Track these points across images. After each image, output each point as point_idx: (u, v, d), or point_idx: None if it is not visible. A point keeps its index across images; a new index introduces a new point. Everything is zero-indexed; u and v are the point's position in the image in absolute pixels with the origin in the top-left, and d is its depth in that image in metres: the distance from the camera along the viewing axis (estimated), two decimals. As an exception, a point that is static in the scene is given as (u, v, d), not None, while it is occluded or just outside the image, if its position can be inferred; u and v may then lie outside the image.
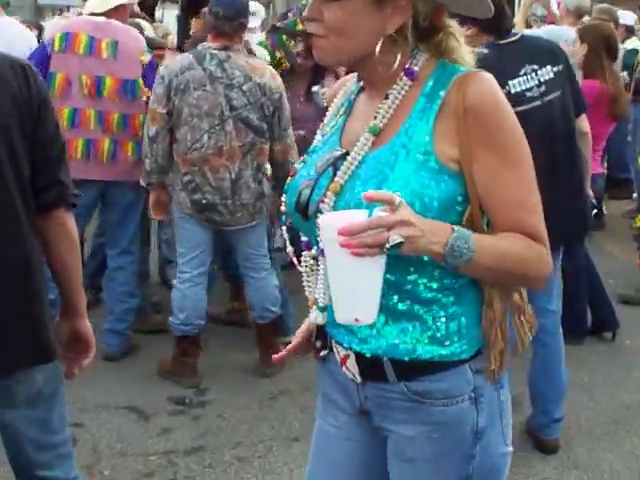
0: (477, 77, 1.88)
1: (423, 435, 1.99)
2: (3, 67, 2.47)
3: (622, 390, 5.12)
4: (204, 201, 4.84)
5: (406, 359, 1.93)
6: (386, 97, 1.94)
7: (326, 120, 2.15)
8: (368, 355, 1.97)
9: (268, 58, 5.71)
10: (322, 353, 2.10)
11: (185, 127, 4.78)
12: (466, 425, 1.97)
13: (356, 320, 1.77)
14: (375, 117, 1.94)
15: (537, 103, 4.04)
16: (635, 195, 9.62)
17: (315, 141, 2.13)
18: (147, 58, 5.24)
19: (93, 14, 5.29)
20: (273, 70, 5.07)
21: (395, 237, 1.67)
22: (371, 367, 1.99)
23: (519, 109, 3.76)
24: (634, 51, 9.36)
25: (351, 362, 2.02)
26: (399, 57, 1.92)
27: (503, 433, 2.03)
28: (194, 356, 5.15)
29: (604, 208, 8.92)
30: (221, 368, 5.38)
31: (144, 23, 6.60)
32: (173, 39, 7.05)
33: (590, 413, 4.82)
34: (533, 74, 4.05)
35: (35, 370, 2.59)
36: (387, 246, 1.67)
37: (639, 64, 8.74)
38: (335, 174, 1.93)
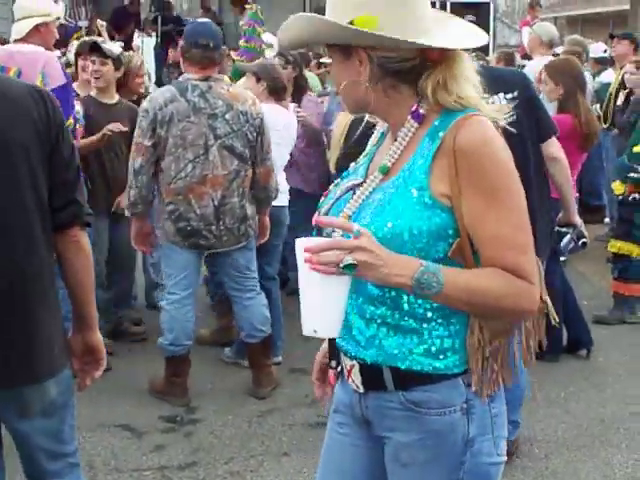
0: (470, 120, 2.05)
1: (418, 442, 2.17)
2: (23, 94, 2.61)
3: (596, 405, 5.32)
4: (189, 228, 4.96)
5: (403, 369, 2.12)
6: (395, 139, 2.15)
7: (366, 149, 2.37)
8: (369, 362, 2.16)
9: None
10: (338, 369, 2.30)
11: (169, 157, 4.89)
12: (458, 434, 2.14)
13: (315, 332, 2.03)
14: (386, 156, 2.16)
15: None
16: (607, 220, 9.89)
17: (350, 166, 2.35)
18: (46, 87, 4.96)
19: (16, 40, 5.39)
20: (254, 96, 5.22)
21: (348, 259, 1.91)
22: (372, 376, 2.18)
23: None
24: (608, 84, 9.60)
25: (355, 372, 2.22)
26: (372, 101, 2.14)
27: (495, 443, 2.20)
28: (184, 375, 5.27)
29: (577, 233, 9.13)
30: (210, 387, 5.52)
31: (111, 44, 6.67)
32: (147, 67, 7.18)
33: (567, 427, 5.00)
34: (488, 99, 4.25)
35: (49, 382, 2.69)
36: (341, 266, 1.91)
37: (611, 96, 9.04)
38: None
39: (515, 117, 3.36)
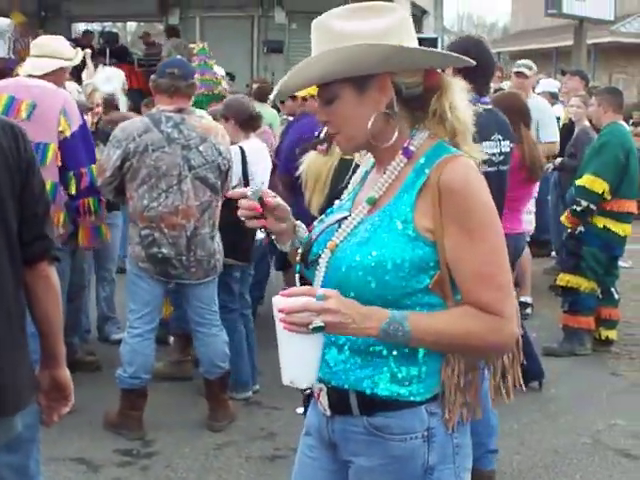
0: (454, 160, 2.13)
1: (380, 467, 2.22)
2: None
3: (550, 435, 5.40)
4: (160, 255, 4.99)
5: (369, 394, 2.18)
6: (384, 172, 2.21)
7: (348, 188, 2.43)
8: (336, 386, 2.22)
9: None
10: (307, 391, 2.35)
11: (143, 187, 4.94)
12: (417, 460, 2.19)
13: (291, 382, 2.12)
14: (373, 189, 2.22)
15: (494, 169, 4.37)
16: (554, 253, 10.05)
17: (334, 204, 2.41)
18: (70, 128, 5.19)
19: (30, 75, 5.40)
20: (223, 129, 5.30)
21: (317, 321, 2.00)
22: (339, 400, 2.24)
23: (487, 170, 4.11)
24: (558, 118, 9.79)
25: (323, 395, 2.28)
26: (396, 132, 2.18)
27: (456, 474, 2.24)
28: (140, 409, 5.23)
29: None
30: (165, 420, 5.48)
31: (71, 86, 6.68)
32: (101, 95, 7.18)
33: (521, 458, 5.07)
34: (498, 142, 4.42)
35: (16, 416, 2.65)
36: (310, 327, 2.00)
37: (561, 130, 9.22)
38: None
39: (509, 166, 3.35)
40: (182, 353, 6.22)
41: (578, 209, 6.63)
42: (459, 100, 2.20)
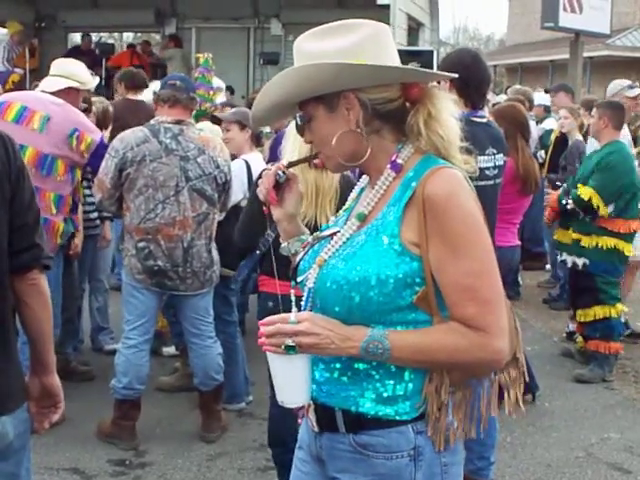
0: (440, 172, 2.11)
1: None
2: None
3: (542, 449, 5.40)
4: (156, 267, 5.00)
5: (354, 412, 2.18)
6: (373, 187, 2.22)
7: (345, 205, 2.44)
8: (323, 403, 2.23)
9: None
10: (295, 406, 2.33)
11: (140, 197, 4.95)
12: (404, 479, 2.18)
13: (282, 403, 2.18)
14: (363, 204, 2.23)
15: (490, 182, 4.39)
16: (548, 266, 10.08)
17: (329, 221, 2.44)
18: (90, 145, 5.37)
19: (44, 92, 5.54)
20: (222, 142, 5.35)
21: (288, 342, 2.07)
22: (326, 417, 2.25)
23: (481, 183, 4.13)
24: (551, 131, 9.84)
25: (311, 411, 2.30)
26: (369, 149, 2.18)
27: None
28: (133, 419, 5.24)
29: (520, 279, 9.31)
30: (158, 430, 5.49)
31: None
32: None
33: (513, 471, 5.08)
34: (492, 156, 4.44)
35: (7, 424, 2.65)
36: (282, 347, 2.07)
37: (552, 144, 9.27)
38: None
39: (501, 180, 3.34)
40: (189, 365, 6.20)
41: (567, 206, 6.65)
42: (440, 113, 2.17)
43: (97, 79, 6.09)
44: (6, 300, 2.67)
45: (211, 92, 7.61)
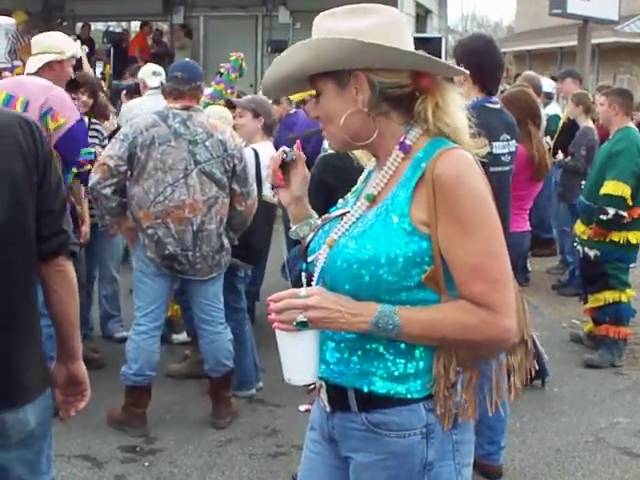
0: (449, 153, 2.13)
1: (378, 463, 2.24)
2: (12, 124, 2.59)
3: (552, 434, 5.42)
4: (166, 252, 5.01)
5: (366, 391, 2.20)
6: (381, 168, 2.24)
7: (354, 187, 2.46)
8: (335, 383, 2.25)
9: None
10: (311, 387, 2.36)
11: (149, 180, 4.96)
12: (416, 457, 2.20)
13: (289, 380, 2.21)
14: (372, 185, 2.25)
15: (506, 169, 4.40)
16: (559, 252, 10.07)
17: (339, 202, 2.44)
18: (60, 126, 5.10)
19: (29, 74, 5.46)
20: (232, 130, 5.35)
21: (300, 318, 2.10)
22: (337, 396, 2.27)
23: (497, 169, 4.13)
24: (556, 117, 9.82)
25: (323, 391, 2.31)
26: (376, 130, 2.20)
27: (457, 470, 2.25)
28: (144, 406, 5.27)
29: (529, 265, 9.31)
30: (168, 417, 5.52)
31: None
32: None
33: (523, 456, 5.09)
34: (506, 142, 4.44)
35: (29, 412, 2.63)
36: (293, 323, 2.09)
37: (560, 129, 9.24)
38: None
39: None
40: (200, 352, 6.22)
41: (605, 218, 6.45)
42: (448, 105, 2.20)
43: (78, 43, 5.92)
44: (33, 285, 2.68)
45: (229, 91, 7.60)
